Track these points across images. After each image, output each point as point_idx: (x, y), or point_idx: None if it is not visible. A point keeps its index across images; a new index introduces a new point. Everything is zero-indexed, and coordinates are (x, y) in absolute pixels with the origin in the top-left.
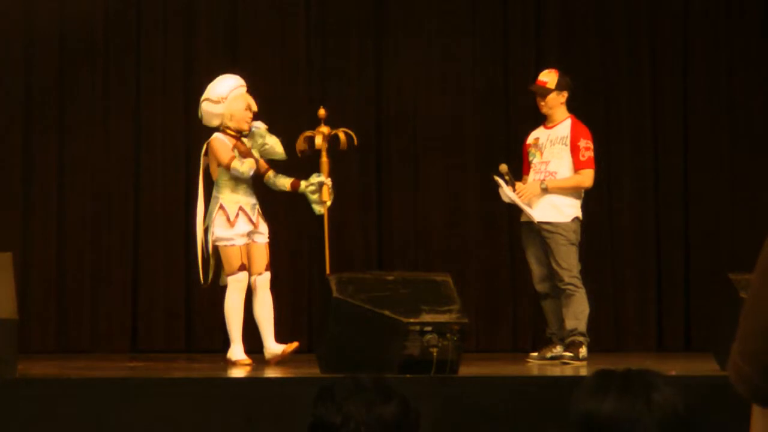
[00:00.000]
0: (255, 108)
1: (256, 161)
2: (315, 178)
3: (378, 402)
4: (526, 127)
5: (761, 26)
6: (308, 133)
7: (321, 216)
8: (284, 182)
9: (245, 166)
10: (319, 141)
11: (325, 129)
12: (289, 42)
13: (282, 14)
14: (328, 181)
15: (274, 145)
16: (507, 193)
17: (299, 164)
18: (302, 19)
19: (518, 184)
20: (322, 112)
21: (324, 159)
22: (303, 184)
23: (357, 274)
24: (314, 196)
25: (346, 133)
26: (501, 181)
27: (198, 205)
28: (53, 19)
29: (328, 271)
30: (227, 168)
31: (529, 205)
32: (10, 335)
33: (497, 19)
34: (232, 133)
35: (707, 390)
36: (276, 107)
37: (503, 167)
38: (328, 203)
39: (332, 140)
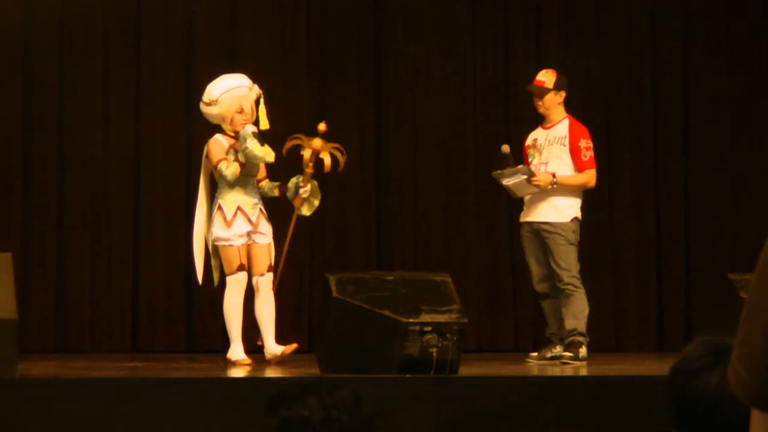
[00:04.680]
0: (248, 110)
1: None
2: (292, 182)
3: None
4: (526, 127)
5: (761, 26)
6: (297, 142)
7: (307, 216)
8: (272, 186)
9: (229, 170)
10: (306, 156)
11: (318, 143)
12: (289, 42)
13: (282, 14)
14: (303, 191)
15: (253, 149)
16: (512, 177)
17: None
18: (302, 19)
19: (534, 172)
20: (322, 126)
21: (308, 170)
22: (287, 187)
23: (357, 274)
24: (293, 201)
25: (333, 156)
26: (508, 152)
27: (198, 207)
28: (53, 19)
29: (279, 271)
30: (214, 169)
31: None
32: (10, 335)
33: (497, 19)
34: (231, 134)
35: None
36: (276, 107)
37: (505, 148)
38: (315, 202)
39: (317, 162)
